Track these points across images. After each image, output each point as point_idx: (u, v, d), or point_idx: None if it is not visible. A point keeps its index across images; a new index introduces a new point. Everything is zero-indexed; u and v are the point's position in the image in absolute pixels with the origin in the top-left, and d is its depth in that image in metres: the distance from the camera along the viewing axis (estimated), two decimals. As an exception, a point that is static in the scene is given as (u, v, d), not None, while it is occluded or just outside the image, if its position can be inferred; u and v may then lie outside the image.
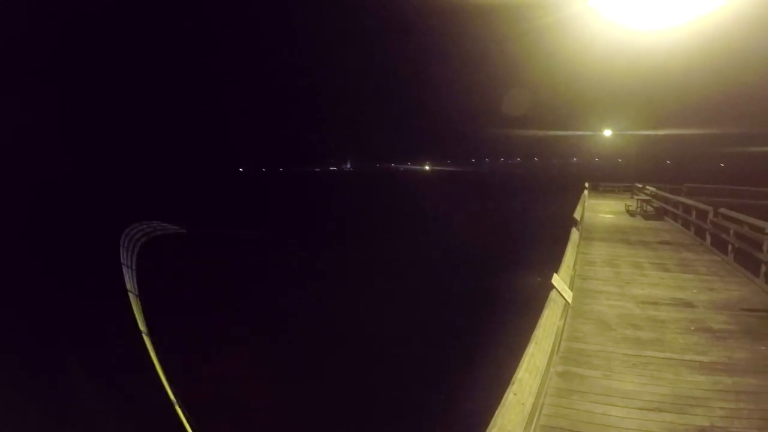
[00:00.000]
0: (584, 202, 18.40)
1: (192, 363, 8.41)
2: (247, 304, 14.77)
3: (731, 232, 10.09)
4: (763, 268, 8.07)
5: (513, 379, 3.37)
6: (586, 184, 28.46)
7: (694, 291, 7.71)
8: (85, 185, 72.84)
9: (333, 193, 74.30)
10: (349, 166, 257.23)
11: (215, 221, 34.20)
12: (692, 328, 5.93)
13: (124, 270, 12.63)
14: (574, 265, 8.34)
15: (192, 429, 5.93)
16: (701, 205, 13.03)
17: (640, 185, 25.78)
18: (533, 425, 3.60)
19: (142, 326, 9.04)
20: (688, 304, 6.98)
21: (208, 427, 6.47)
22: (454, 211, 40.58)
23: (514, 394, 3.18)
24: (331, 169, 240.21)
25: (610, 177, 40.15)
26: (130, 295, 10.19)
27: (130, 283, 11.33)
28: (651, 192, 21.84)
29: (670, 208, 16.74)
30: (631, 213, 19.08)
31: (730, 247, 10.04)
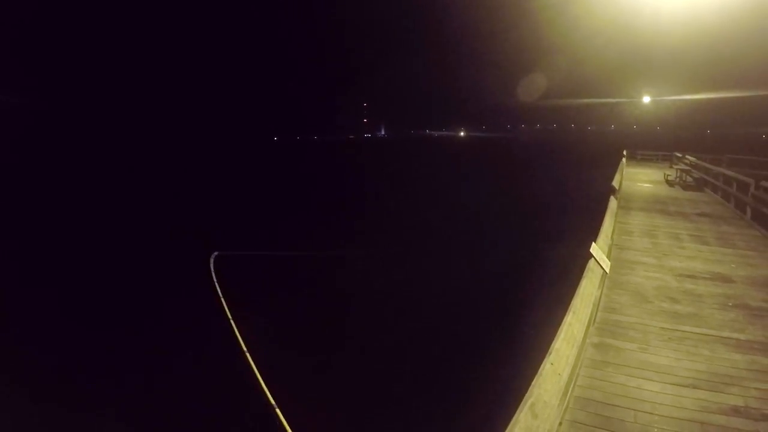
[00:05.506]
0: (622, 171, 17.97)
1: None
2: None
3: (774, 206, 9.75)
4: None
5: (550, 348, 3.33)
6: (624, 152, 27.74)
7: (733, 266, 7.45)
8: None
9: (364, 162, 73.64)
10: (383, 132, 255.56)
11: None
12: (730, 304, 5.76)
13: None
14: (612, 234, 8.22)
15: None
16: (742, 177, 12.53)
17: (679, 154, 24.99)
18: (568, 396, 3.62)
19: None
20: (727, 279, 6.77)
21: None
22: (488, 178, 40.13)
23: (551, 364, 3.15)
24: (366, 135, 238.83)
25: (649, 145, 38.99)
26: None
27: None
28: (691, 162, 21.15)
29: (710, 179, 16.16)
30: (670, 183, 18.53)
31: (771, 221, 9.71)
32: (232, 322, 8.70)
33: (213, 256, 14.38)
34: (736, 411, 3.60)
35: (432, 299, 10.89)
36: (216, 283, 11.40)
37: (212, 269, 12.90)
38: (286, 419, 5.41)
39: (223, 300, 10.03)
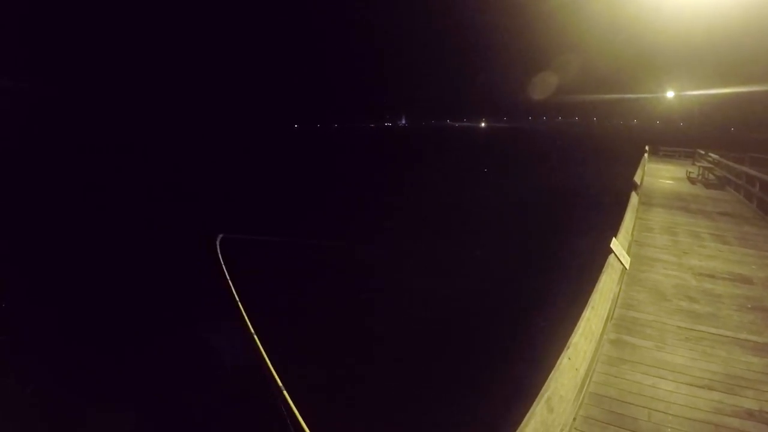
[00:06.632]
0: (644, 166, 17.71)
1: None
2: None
3: (797, 208, 9.54)
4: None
5: (568, 343, 3.34)
6: (647, 147, 27.33)
7: (753, 267, 7.32)
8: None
9: (385, 150, 73.18)
10: (404, 121, 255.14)
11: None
12: (748, 306, 5.67)
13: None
14: (633, 230, 8.14)
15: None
16: (766, 177, 12.30)
17: (702, 152, 24.53)
18: (583, 391, 3.61)
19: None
20: (747, 280, 6.66)
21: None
22: (508, 170, 39.82)
23: (569, 359, 3.16)
24: (386, 124, 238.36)
25: (671, 141, 38.30)
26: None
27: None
28: (713, 159, 20.78)
29: (733, 178, 15.87)
30: (691, 180, 18.20)
31: (795, 224, 9.51)
32: (244, 311, 8.66)
33: (218, 238, 14.34)
34: (750, 414, 3.57)
35: (449, 291, 10.84)
36: (224, 268, 11.38)
37: (219, 252, 12.89)
38: (299, 411, 5.38)
39: (231, 284, 10.03)
